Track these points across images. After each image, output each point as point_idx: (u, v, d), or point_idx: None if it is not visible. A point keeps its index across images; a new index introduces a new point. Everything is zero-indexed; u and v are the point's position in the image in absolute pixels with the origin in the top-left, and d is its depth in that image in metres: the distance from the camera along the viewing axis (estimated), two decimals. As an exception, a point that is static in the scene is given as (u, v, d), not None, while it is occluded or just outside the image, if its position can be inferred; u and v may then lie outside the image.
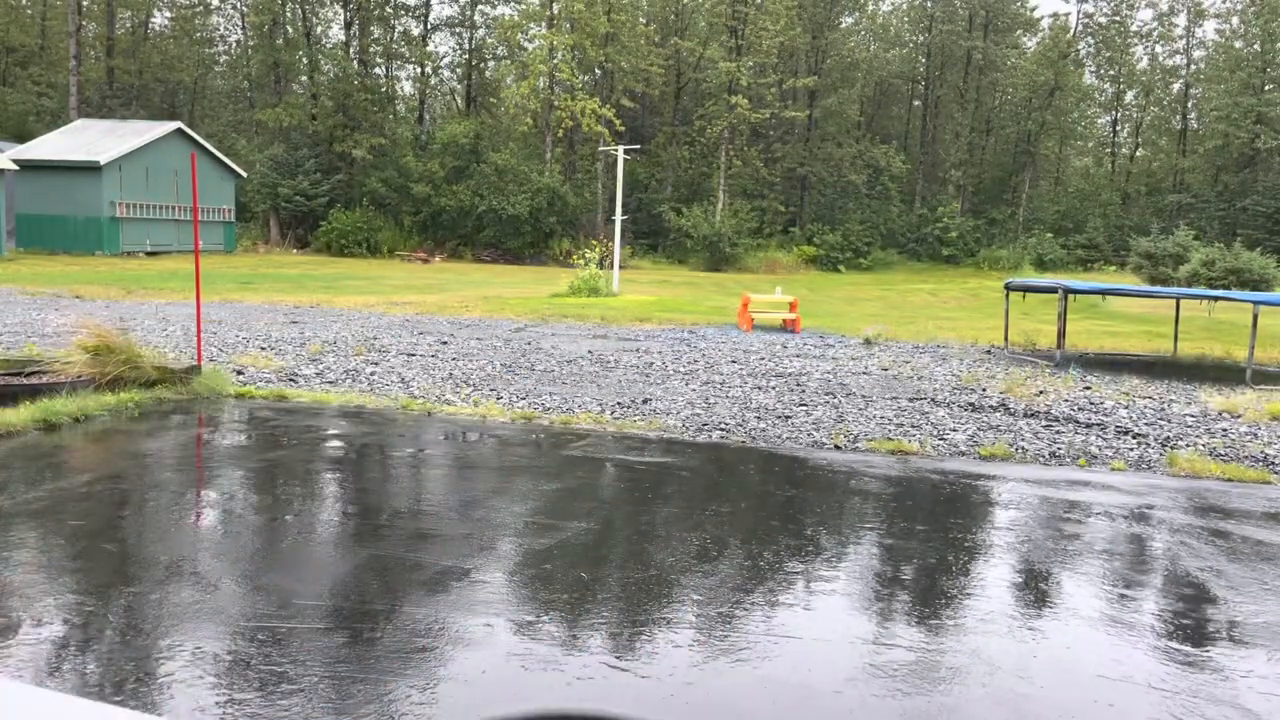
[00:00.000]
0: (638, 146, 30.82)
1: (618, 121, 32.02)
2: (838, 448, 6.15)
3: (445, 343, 10.57)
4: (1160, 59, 42.25)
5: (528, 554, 3.96)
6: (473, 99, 39.08)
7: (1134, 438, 6.71)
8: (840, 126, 38.77)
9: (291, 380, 7.72)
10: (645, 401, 7.42)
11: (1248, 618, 3.51)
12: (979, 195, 41.26)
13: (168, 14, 41.92)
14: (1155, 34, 41.66)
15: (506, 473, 5.32)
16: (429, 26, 37.65)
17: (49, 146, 26.77)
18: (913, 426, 6.80)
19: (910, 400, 7.88)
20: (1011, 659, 3.08)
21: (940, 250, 36.48)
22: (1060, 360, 10.59)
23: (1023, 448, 6.27)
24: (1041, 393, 8.43)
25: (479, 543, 4.05)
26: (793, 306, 14.04)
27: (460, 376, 8.27)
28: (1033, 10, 41.50)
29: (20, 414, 5.68)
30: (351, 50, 36.08)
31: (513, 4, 36.75)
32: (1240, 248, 23.20)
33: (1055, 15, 51.76)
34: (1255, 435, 6.94)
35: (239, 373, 7.87)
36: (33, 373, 6.59)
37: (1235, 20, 39.51)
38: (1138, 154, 44.13)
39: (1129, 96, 43.15)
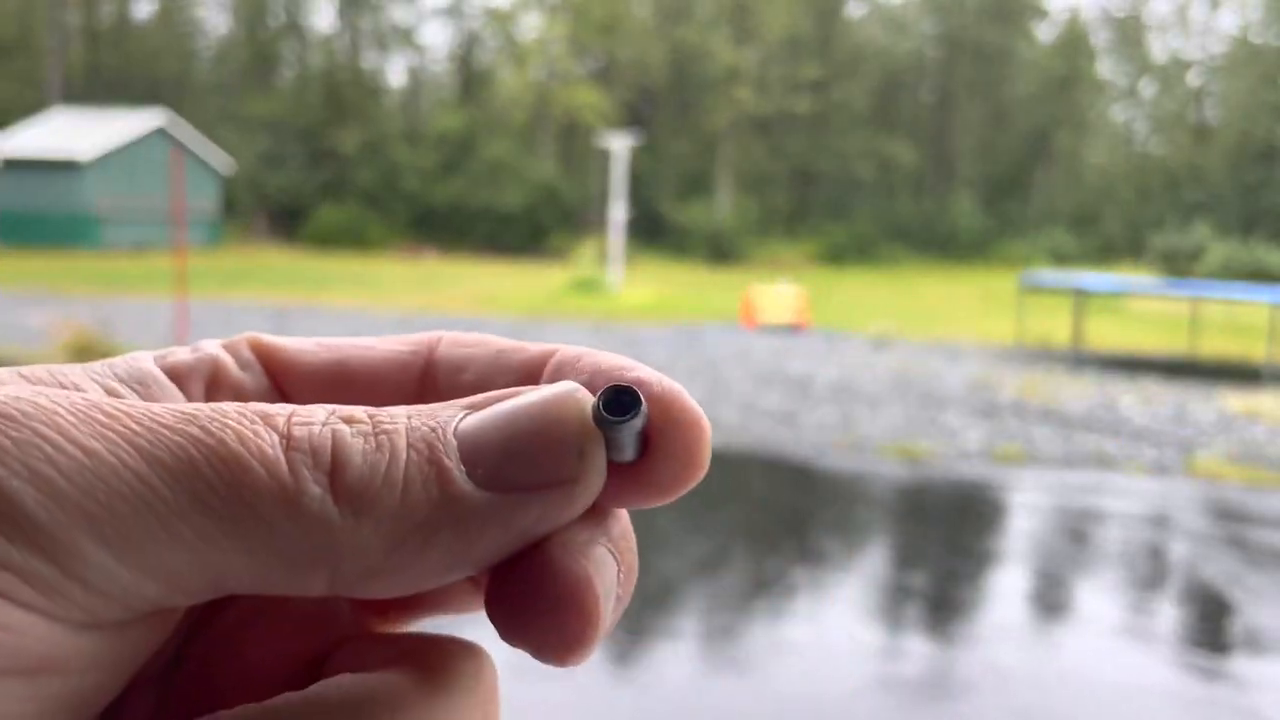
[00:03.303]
0: (638, 139, 30.63)
1: (617, 113, 31.78)
2: (844, 451, 6.04)
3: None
4: (1177, 53, 41.76)
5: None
6: (466, 90, 38.74)
7: (1151, 441, 6.57)
8: (848, 118, 38.46)
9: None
10: (650, 402, 7.32)
11: (1268, 625, 3.43)
12: (991, 189, 40.90)
13: (153, 4, 41.72)
14: (1172, 27, 41.17)
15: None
16: (421, 16, 37.31)
17: (28, 137, 26.26)
18: (922, 429, 6.68)
19: (920, 401, 7.76)
20: (1025, 670, 3.02)
21: (951, 245, 36.18)
22: (1075, 359, 10.42)
23: (1036, 451, 6.15)
24: (1056, 394, 8.29)
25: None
26: (798, 304, 13.90)
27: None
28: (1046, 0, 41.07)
29: None
30: (341, 41, 35.77)
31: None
32: (1259, 244, 22.88)
33: (1071, 11, 51.33)
34: (1275, 438, 6.78)
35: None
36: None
37: (1253, 13, 38.96)
38: (1154, 148, 43.65)
39: (1145, 89, 42.68)
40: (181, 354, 0.21)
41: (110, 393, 0.20)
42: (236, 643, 0.20)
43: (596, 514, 0.18)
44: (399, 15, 36.78)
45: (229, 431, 0.16)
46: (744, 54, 33.31)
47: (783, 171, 37.50)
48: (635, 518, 0.20)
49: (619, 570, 0.18)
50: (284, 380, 0.22)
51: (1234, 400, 8.08)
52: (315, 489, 0.16)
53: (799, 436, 6.35)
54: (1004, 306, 17.78)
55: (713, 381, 8.41)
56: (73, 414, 0.16)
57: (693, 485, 0.19)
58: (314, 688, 0.18)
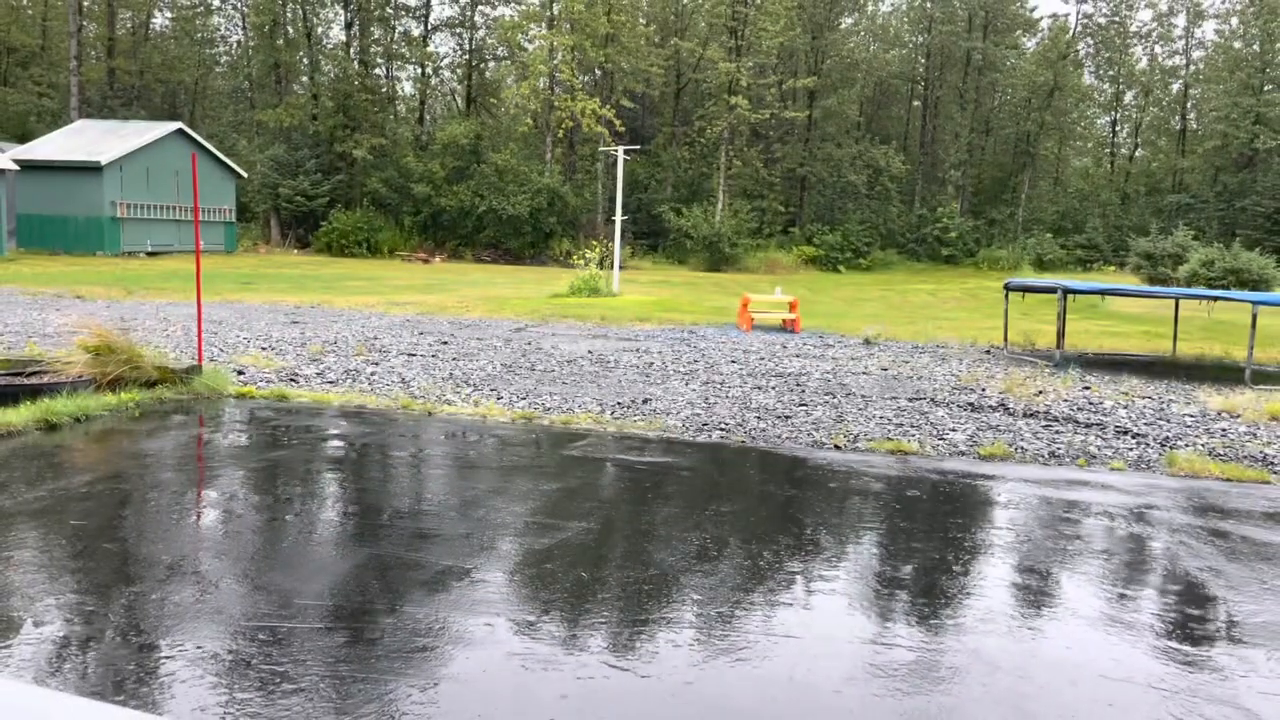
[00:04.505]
0: (638, 147, 30.87)
1: (618, 122, 32.05)
2: (837, 448, 6.15)
3: (445, 343, 10.57)
4: (1159, 59, 42.33)
5: (528, 553, 3.96)
6: (473, 99, 39.18)
7: (1133, 437, 6.70)
8: (840, 127, 38.82)
9: (292, 380, 7.72)
10: (645, 401, 7.42)
11: (1247, 617, 3.51)
12: (978, 195, 41.31)
13: (168, 14, 42.00)
14: (1154, 34, 41.73)
15: (507, 472, 5.32)
16: (429, 27, 37.70)
17: (50, 147, 26.83)
18: (912, 426, 6.80)
19: (910, 400, 7.88)
20: (1011, 659, 3.09)
21: (940, 250, 36.51)
22: (1059, 360, 10.59)
23: (1022, 448, 6.27)
24: (1041, 393, 8.43)
25: (479, 542, 4.05)
26: (792, 306, 14.04)
27: (460, 376, 8.27)
28: (1032, 10, 41.60)
29: (21, 414, 5.68)
30: (352, 50, 36.13)
31: (513, 4, 36.83)
32: (1239, 248, 23.22)
33: (1054, 16, 51.84)
34: (1254, 435, 6.94)
35: (240, 373, 7.87)
36: (34, 373, 6.59)
37: (1234, 21, 39.56)
38: (1137, 154, 44.18)
39: (1128, 97, 43.20)
40: None
41: None
42: None
43: None
44: (409, 27, 37.11)
45: None
46: (740, 65, 33.67)
47: (778, 178, 37.77)
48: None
49: None
50: None
51: (1214, 399, 8.26)
52: None
53: (793, 433, 6.46)
54: (991, 309, 17.99)
55: (710, 380, 8.51)
56: None
57: None
58: None
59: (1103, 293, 12.25)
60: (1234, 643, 3.29)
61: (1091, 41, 41.99)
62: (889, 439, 6.32)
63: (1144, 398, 8.39)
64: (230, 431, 6.08)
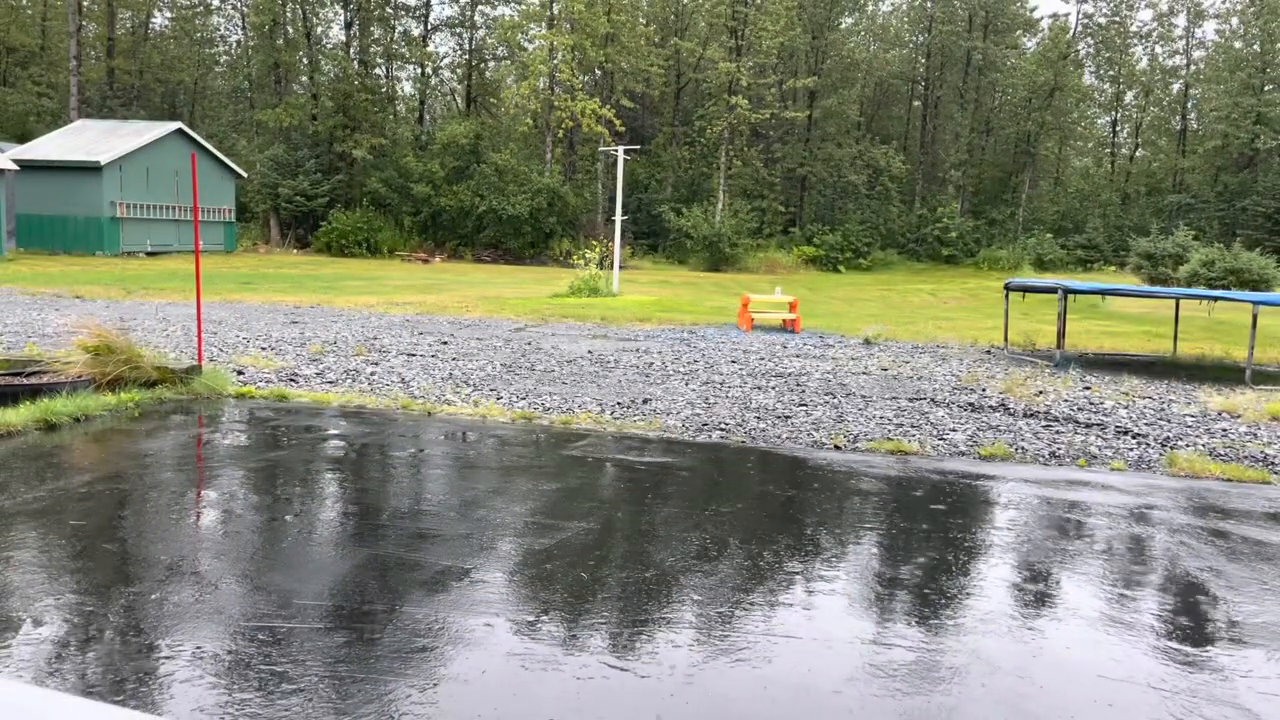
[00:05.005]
0: (638, 147, 30.93)
1: (618, 122, 32.10)
2: (837, 448, 6.15)
3: (445, 343, 10.58)
4: (1160, 59, 42.35)
5: (528, 554, 3.96)
6: (473, 99, 39.25)
7: (1133, 438, 6.71)
8: (840, 127, 38.84)
9: (292, 380, 7.72)
10: (645, 401, 7.42)
11: (1247, 618, 3.51)
12: (979, 196, 41.32)
13: (168, 14, 42.07)
14: (1155, 34, 41.75)
15: (506, 473, 5.32)
16: (429, 27, 37.75)
17: (50, 147, 26.89)
18: (912, 426, 6.80)
19: (910, 400, 7.88)
20: (1011, 659, 3.09)
21: (940, 250, 36.52)
22: (1060, 360, 10.60)
23: (1022, 448, 6.27)
24: (1041, 393, 8.44)
25: (479, 542, 4.05)
26: (792, 307, 14.04)
27: (460, 376, 8.27)
28: (1032, 10, 41.64)
29: (20, 414, 5.69)
30: (352, 50, 36.18)
31: (513, 4, 36.86)
32: (1240, 248, 23.24)
33: (1055, 16, 51.86)
34: (1255, 435, 6.94)
35: (239, 373, 7.88)
36: (33, 373, 6.60)
37: (1235, 21, 39.57)
38: (1137, 154, 44.21)
39: (1129, 97, 43.22)
40: None
41: None
42: None
43: None
44: (409, 26, 37.19)
45: None
46: (740, 65, 33.72)
47: (778, 178, 37.81)
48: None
49: None
50: None
51: (1215, 399, 8.26)
52: None
53: (793, 433, 6.46)
54: (991, 309, 18.00)
55: (710, 380, 8.51)
56: None
57: None
58: None
59: (1103, 293, 12.25)
60: (1234, 643, 3.29)
61: (1092, 41, 42.00)
62: (889, 439, 6.32)
63: (1144, 398, 8.39)
64: (230, 431, 6.08)
